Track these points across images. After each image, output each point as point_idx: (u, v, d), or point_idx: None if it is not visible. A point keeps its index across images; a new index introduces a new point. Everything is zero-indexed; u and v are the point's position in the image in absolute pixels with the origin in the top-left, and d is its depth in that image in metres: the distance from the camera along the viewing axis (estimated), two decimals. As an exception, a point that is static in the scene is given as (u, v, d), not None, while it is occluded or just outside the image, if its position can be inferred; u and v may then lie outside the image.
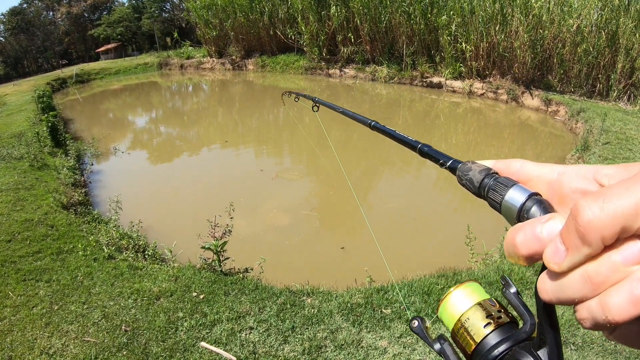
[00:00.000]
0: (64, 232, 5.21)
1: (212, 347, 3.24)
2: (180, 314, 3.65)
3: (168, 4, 42.52)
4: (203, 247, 4.32)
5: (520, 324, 0.53)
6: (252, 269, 4.50)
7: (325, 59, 19.91)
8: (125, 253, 4.75)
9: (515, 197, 0.42)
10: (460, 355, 0.55)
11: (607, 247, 0.31)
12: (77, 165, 8.52)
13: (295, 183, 7.96)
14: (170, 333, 3.44)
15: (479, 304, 0.55)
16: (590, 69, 12.54)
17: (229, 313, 3.65)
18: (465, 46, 14.46)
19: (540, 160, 0.46)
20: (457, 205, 7.18)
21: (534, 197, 0.41)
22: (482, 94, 14.47)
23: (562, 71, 13.05)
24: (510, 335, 0.50)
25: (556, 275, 0.34)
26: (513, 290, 0.55)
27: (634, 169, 0.34)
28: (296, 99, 2.66)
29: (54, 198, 6.13)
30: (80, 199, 6.61)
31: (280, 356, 3.18)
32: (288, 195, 7.25)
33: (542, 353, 0.44)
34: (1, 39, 44.92)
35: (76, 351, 3.29)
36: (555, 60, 13.21)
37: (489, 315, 0.53)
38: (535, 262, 0.37)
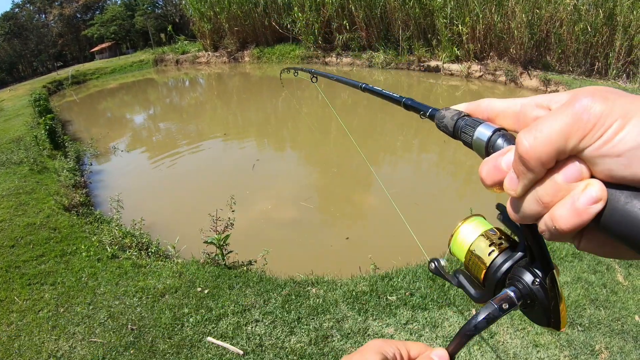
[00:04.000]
0: (67, 234, 5.21)
1: (219, 342, 3.25)
2: (186, 310, 3.65)
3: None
4: (206, 242, 4.32)
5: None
6: (255, 261, 4.49)
7: (321, 47, 19.78)
8: (129, 252, 4.75)
9: (482, 134, 0.47)
10: (475, 282, 0.62)
11: (551, 170, 0.36)
12: (76, 166, 8.49)
13: (289, 173, 7.96)
14: (176, 329, 3.44)
15: (482, 234, 0.62)
16: (589, 47, 12.43)
17: (234, 307, 3.65)
18: (462, 28, 14.32)
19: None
20: (458, 189, 7.16)
21: (498, 132, 0.46)
22: (480, 76, 14.37)
23: (560, 51, 12.93)
24: (509, 256, 0.57)
25: (516, 200, 0.40)
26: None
27: None
28: (295, 74, 2.79)
29: (55, 200, 6.13)
30: (81, 200, 6.60)
31: (287, 347, 3.18)
32: (288, 186, 7.23)
33: (535, 266, 0.51)
34: (-5, 44, 44.66)
35: (84, 352, 3.30)
36: (552, 40, 13.08)
37: (492, 244, 0.60)
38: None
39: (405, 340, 0.55)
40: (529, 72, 13.18)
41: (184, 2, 27.24)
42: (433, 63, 15.87)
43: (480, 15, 13.80)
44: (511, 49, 13.58)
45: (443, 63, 15.41)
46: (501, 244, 0.59)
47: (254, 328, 3.41)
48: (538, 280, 0.50)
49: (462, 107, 0.54)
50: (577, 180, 0.35)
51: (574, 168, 0.35)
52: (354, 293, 3.75)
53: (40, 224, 5.44)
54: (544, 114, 0.40)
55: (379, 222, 5.91)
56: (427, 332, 3.30)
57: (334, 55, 19.29)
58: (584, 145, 0.33)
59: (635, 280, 3.71)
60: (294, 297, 3.73)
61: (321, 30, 19.29)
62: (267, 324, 3.44)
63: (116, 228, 5.32)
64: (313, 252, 5.23)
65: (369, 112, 11.96)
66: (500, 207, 0.60)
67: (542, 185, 0.36)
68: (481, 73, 14.37)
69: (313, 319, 3.48)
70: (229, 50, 23.79)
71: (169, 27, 29.82)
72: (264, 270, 4.33)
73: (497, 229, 0.63)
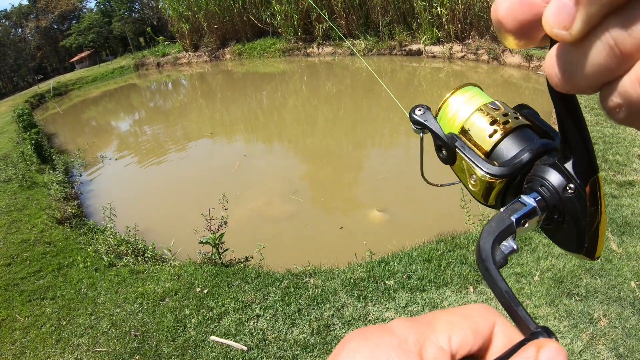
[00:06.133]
0: (62, 247, 5.21)
1: (222, 340, 3.28)
2: (187, 311, 3.68)
3: (137, 3, 41.65)
4: (201, 242, 4.34)
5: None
6: (252, 257, 4.53)
7: (301, 38, 19.68)
8: (126, 259, 4.76)
9: None
10: (479, 153, 0.47)
11: None
12: (66, 178, 8.45)
13: (277, 167, 7.98)
14: (179, 331, 3.47)
15: (481, 109, 0.48)
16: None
17: (235, 304, 3.68)
18: (441, 10, 14.32)
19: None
20: (448, 170, 7.22)
21: None
22: (463, 57, 14.39)
23: (540, 25, 13.00)
24: (526, 146, 0.43)
25: (567, 48, 0.23)
26: (527, 110, 0.48)
27: None
28: None
29: (48, 215, 6.11)
30: (73, 211, 6.58)
31: (289, 340, 3.22)
32: (278, 180, 7.24)
33: (571, 166, 0.36)
34: (-28, 62, 43.91)
35: (89, 361, 3.32)
36: (532, 14, 13.13)
37: (493, 121, 0.46)
38: (537, 40, 0.25)
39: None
40: (511, 49, 13.23)
41: (161, 4, 26.97)
42: (414, 46, 15.86)
43: (458, -5, 13.83)
44: (492, 28, 13.60)
45: (424, 46, 15.41)
46: (506, 122, 0.45)
47: (255, 323, 3.45)
48: (573, 186, 0.36)
49: None
50: None
51: None
52: (352, 280, 3.79)
53: (35, 239, 5.43)
54: None
55: (370, 208, 5.96)
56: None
57: (315, 45, 19.22)
58: None
59: (629, 247, 3.76)
60: (293, 290, 3.77)
61: (301, 21, 19.19)
62: (268, 318, 3.48)
63: (111, 236, 5.32)
64: (308, 243, 5.26)
65: (354, 101, 11.99)
66: (519, 106, 0.48)
67: (624, 20, 0.20)
68: (463, 53, 14.39)
69: (313, 309, 3.52)
70: (209, 48, 23.62)
71: (149, 29, 29.56)
72: (261, 266, 4.37)
73: (501, 102, 0.49)
